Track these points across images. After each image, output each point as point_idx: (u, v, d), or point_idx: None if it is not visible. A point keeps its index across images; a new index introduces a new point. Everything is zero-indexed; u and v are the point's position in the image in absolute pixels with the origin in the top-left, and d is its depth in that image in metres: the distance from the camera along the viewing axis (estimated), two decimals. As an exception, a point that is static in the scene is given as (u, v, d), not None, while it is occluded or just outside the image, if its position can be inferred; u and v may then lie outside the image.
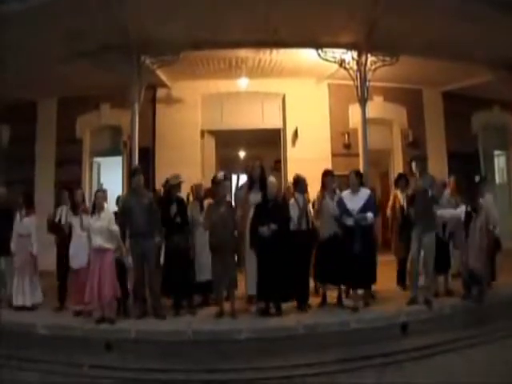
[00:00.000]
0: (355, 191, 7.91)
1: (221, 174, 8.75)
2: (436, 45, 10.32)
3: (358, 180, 7.96)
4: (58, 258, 8.20)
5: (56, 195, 10.03)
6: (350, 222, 7.69)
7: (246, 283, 8.28)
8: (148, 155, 10.77)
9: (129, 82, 9.75)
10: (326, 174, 8.55)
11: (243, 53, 10.57)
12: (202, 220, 8.09)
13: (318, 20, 9.17)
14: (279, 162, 10.08)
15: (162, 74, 11.06)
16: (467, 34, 9.86)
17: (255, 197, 8.30)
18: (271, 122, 13.19)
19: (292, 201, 8.32)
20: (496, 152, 16.72)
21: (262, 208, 7.96)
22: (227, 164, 15.64)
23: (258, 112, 13.06)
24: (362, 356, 6.43)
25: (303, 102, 12.88)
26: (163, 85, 11.91)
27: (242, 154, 17.95)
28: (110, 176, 12.52)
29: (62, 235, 8.17)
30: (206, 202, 8.32)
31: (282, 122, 13.19)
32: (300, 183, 8.50)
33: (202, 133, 12.63)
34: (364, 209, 7.71)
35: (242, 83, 12.28)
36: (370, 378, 5.94)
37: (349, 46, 10.09)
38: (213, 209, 7.96)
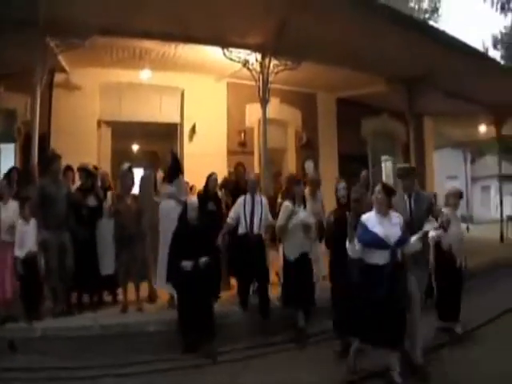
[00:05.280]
0: (385, 213, 5.86)
1: (126, 165, 8.65)
2: (338, 54, 11.18)
3: (388, 198, 5.87)
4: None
5: None
6: (382, 258, 5.68)
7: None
8: (44, 143, 10.56)
9: (30, 63, 9.18)
10: (296, 182, 8.23)
11: (148, 44, 10.66)
12: (106, 210, 8.04)
13: (226, 19, 9.50)
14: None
15: (62, 59, 10.73)
16: (368, 48, 10.88)
17: (167, 189, 8.42)
18: (169, 116, 13.46)
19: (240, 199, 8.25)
20: (383, 157, 18.16)
21: (181, 235, 7.28)
22: (121, 156, 15.55)
23: (157, 105, 13.24)
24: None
25: (202, 99, 13.29)
26: (62, 69, 11.56)
27: (135, 147, 18.02)
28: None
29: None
30: (110, 193, 8.31)
31: (180, 117, 13.51)
32: (249, 183, 8.41)
33: (99, 123, 12.59)
34: (402, 239, 5.74)
35: (144, 75, 12.40)
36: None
37: (254, 48, 10.52)
38: (119, 200, 7.98)
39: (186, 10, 9.05)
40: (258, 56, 10.62)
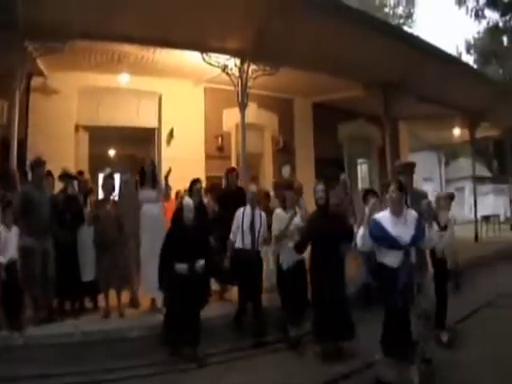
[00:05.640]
0: (399, 213, 5.63)
1: (107, 171, 8.61)
2: (316, 60, 11.38)
3: (401, 196, 5.64)
4: None
5: None
6: (395, 259, 5.52)
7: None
8: (21, 147, 10.46)
9: (8, 67, 9.08)
10: (287, 187, 8.19)
11: (127, 48, 10.62)
12: (86, 216, 8.00)
13: (206, 24, 9.58)
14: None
15: (40, 62, 10.69)
16: (345, 53, 11.15)
17: (147, 194, 8.35)
18: (147, 120, 13.43)
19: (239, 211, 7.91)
20: (359, 160, 18.44)
21: (176, 237, 7.04)
22: (99, 161, 15.43)
23: (135, 110, 13.19)
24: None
25: (179, 103, 13.33)
26: (39, 73, 11.44)
27: (113, 151, 17.87)
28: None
29: None
30: (91, 199, 8.35)
31: (157, 122, 13.50)
32: (249, 195, 8.09)
33: (77, 127, 12.47)
34: (416, 238, 5.58)
35: (122, 79, 12.37)
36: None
37: (233, 53, 10.60)
38: (99, 205, 7.97)
39: (166, 14, 9.12)
40: (237, 61, 10.71)
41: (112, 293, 7.97)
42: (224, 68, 10.77)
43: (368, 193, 9.13)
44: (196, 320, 6.87)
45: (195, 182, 9.07)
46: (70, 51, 9.72)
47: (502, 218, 23.53)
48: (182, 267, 6.70)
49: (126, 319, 7.75)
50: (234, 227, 7.90)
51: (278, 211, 7.70)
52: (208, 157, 13.67)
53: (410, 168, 6.86)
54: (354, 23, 10.66)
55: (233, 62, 10.73)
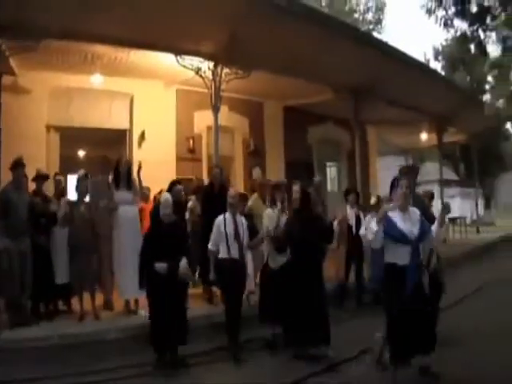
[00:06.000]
0: (406, 209, 5.74)
1: (81, 172, 8.41)
2: (287, 64, 11.55)
3: (409, 193, 5.79)
4: None
5: None
6: (404, 257, 5.53)
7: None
8: None
9: None
10: (276, 187, 7.98)
11: (101, 48, 10.55)
12: (60, 218, 7.83)
13: (181, 27, 9.65)
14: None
15: (12, 61, 10.52)
16: (316, 58, 11.37)
17: (122, 195, 8.22)
18: (118, 121, 13.36)
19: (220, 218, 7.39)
20: (328, 163, 18.72)
21: (155, 236, 6.82)
22: (70, 162, 15.17)
23: (106, 111, 13.12)
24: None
25: (151, 105, 13.28)
26: (10, 72, 11.18)
27: (85, 153, 17.65)
28: None
29: None
30: (63, 200, 8.11)
31: (129, 123, 13.45)
32: (230, 200, 7.43)
33: (48, 128, 12.35)
34: (423, 234, 5.64)
35: (95, 80, 12.19)
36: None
37: (207, 56, 10.63)
38: (73, 207, 7.85)
39: (142, 16, 9.12)
40: (211, 64, 10.75)
41: (86, 295, 7.90)
42: (198, 71, 10.79)
43: (349, 192, 9.91)
44: (182, 320, 6.70)
45: (175, 183, 9.01)
46: (43, 50, 9.61)
47: (468, 221, 24.01)
48: (161, 267, 6.45)
49: (101, 321, 7.68)
50: (215, 236, 7.34)
51: (269, 211, 7.73)
52: (179, 159, 13.69)
53: (414, 171, 6.91)
54: (324, 28, 10.92)
55: (206, 65, 10.77)
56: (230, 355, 6.90)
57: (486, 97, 37.78)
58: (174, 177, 11.94)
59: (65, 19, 8.93)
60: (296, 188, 7.25)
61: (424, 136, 21.53)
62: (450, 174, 32.83)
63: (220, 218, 7.36)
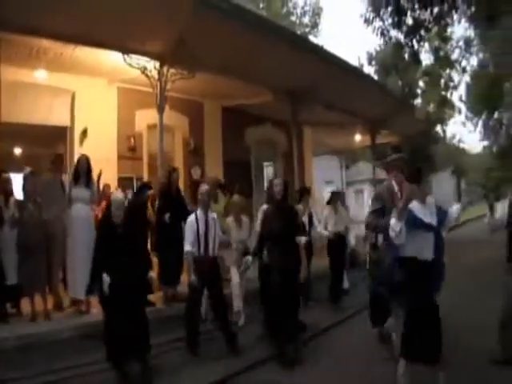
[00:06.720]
0: (424, 200, 5.44)
1: (27, 170, 8.32)
2: (228, 66, 11.82)
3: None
4: None
5: None
6: (425, 246, 5.27)
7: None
8: None
9: None
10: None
11: (47, 43, 10.34)
12: (8, 218, 7.67)
13: (129, 26, 9.64)
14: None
15: None
16: (255, 60, 11.67)
17: (80, 192, 8.21)
18: (59, 118, 13.13)
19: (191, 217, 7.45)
20: (265, 163, 19.21)
21: (105, 239, 6.46)
22: (7, 159, 14.43)
23: (47, 107, 12.81)
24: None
25: (93, 102, 13.11)
26: None
27: (22, 150, 17.06)
28: None
29: None
30: (12, 200, 7.92)
31: (70, 120, 13.25)
32: (201, 196, 7.57)
33: None
34: (439, 224, 5.40)
35: (39, 75, 12.01)
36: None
37: (153, 56, 10.71)
38: (22, 207, 7.72)
39: (91, 12, 9.00)
40: (157, 64, 10.85)
41: (36, 296, 7.88)
42: (144, 70, 10.86)
43: (304, 190, 10.38)
44: (142, 326, 6.44)
45: (145, 185, 9.19)
46: (-14, 42, 9.33)
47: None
48: (105, 280, 6.12)
49: (53, 322, 7.69)
50: (189, 236, 7.35)
51: (264, 207, 7.97)
52: (120, 157, 13.66)
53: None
54: (261, 31, 11.20)
55: (152, 65, 10.86)
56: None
57: (418, 101, 39.01)
58: (115, 176, 12.11)
59: (11, 12, 8.72)
60: (278, 181, 7.48)
61: (358, 137, 22.26)
62: (382, 174, 33.70)
63: (192, 217, 7.46)
